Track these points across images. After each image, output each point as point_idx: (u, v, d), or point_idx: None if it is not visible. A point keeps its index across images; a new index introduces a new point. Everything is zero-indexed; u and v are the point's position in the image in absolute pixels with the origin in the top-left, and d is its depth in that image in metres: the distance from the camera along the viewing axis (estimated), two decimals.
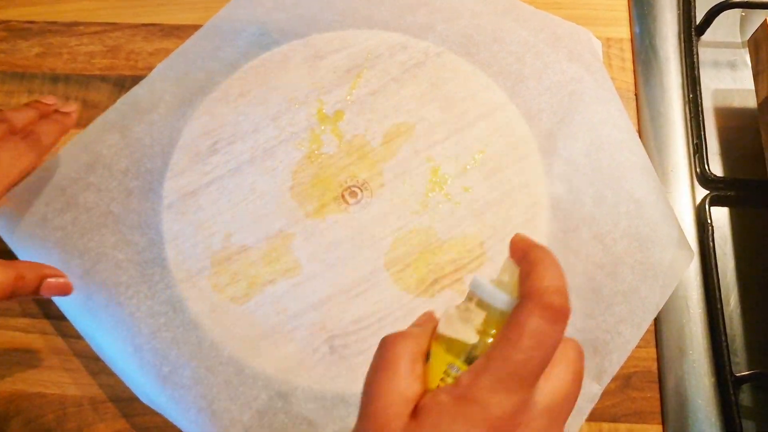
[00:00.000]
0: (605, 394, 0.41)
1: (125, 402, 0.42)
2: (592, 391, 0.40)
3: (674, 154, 0.48)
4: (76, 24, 0.52)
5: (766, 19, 0.44)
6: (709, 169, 0.46)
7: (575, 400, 0.24)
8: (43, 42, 0.52)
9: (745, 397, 0.42)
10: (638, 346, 0.41)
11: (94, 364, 0.42)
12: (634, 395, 0.42)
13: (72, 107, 0.44)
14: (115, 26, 0.52)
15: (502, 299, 0.24)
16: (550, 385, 0.23)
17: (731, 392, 0.40)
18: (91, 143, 0.45)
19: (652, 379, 0.42)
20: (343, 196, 0.45)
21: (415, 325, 0.27)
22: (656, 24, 0.51)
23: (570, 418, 0.39)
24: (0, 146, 0.38)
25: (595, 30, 0.50)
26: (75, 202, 0.43)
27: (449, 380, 0.23)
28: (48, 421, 0.42)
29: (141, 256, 0.42)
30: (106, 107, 0.46)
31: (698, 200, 0.46)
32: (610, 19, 0.52)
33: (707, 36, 0.51)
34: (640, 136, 0.48)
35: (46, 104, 0.43)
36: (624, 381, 0.42)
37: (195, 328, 0.41)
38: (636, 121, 0.49)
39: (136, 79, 0.48)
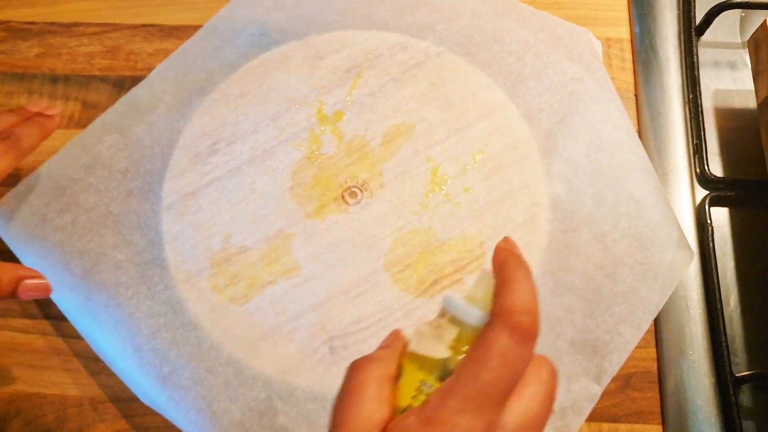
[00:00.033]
0: (605, 394, 0.40)
1: (125, 402, 0.42)
2: (592, 392, 0.40)
3: (674, 154, 0.48)
4: (76, 24, 0.52)
5: (766, 20, 0.44)
6: (709, 169, 0.46)
7: (546, 419, 0.24)
8: (42, 42, 0.52)
9: (745, 397, 0.42)
10: (638, 347, 0.41)
11: (94, 364, 0.42)
12: (634, 395, 0.42)
13: (55, 110, 0.43)
14: (114, 27, 0.52)
15: (474, 315, 0.24)
16: (521, 404, 0.23)
17: (731, 392, 0.40)
18: (90, 144, 0.45)
19: (652, 380, 0.42)
20: (343, 196, 0.45)
21: (382, 346, 0.27)
22: (656, 24, 0.51)
23: (570, 418, 0.39)
24: None
25: (595, 30, 0.50)
26: (75, 203, 0.43)
27: (421, 397, 0.23)
28: (48, 422, 0.42)
29: (141, 256, 0.42)
30: (106, 108, 0.46)
31: (698, 200, 0.46)
32: (610, 19, 0.52)
33: (707, 36, 0.51)
34: (640, 137, 0.48)
35: (29, 111, 0.42)
36: (624, 381, 0.42)
37: (195, 329, 0.41)
38: (636, 121, 0.49)
39: (135, 80, 0.48)
